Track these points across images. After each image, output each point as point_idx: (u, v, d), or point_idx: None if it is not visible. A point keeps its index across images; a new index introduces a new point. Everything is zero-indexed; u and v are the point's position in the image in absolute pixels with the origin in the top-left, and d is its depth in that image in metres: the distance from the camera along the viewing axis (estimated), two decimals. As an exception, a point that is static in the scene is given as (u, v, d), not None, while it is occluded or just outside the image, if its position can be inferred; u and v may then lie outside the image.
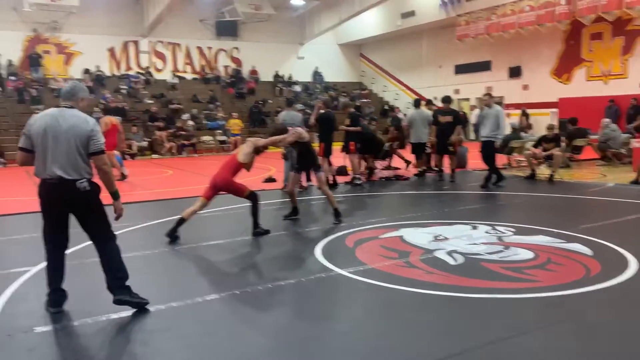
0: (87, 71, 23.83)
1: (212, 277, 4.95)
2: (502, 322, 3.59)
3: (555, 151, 10.85)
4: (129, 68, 25.47)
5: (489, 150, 9.80)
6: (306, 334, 3.53)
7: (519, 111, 20.69)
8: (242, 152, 6.28)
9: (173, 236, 6.07)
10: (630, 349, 3.19)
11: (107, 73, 24.69)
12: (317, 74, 29.36)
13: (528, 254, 5.19)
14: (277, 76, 27.96)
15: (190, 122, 21.88)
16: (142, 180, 12.43)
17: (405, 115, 24.07)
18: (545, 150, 11.11)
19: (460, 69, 24.56)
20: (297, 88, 27.65)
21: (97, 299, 4.24)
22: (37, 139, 3.74)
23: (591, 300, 3.98)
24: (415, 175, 11.66)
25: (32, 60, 22.73)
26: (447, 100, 11.06)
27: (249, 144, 6.36)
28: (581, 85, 19.77)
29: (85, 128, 3.74)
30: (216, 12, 25.68)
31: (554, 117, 19.68)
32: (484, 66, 23.39)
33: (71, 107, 3.83)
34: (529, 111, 20.85)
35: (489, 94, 10.23)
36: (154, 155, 20.02)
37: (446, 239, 5.87)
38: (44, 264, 3.99)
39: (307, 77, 29.00)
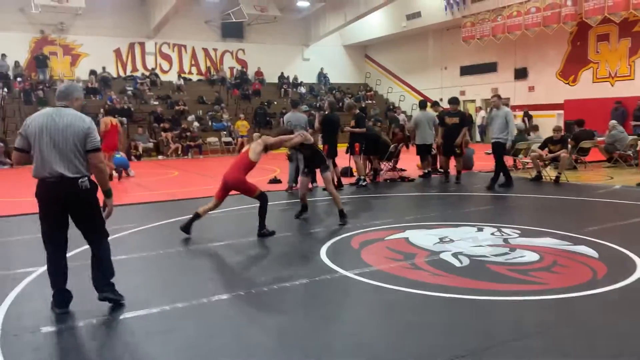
0: (93, 72, 23.94)
1: (217, 278, 4.96)
2: (508, 325, 3.58)
3: (562, 153, 10.82)
4: (134, 69, 25.57)
5: (498, 152, 9.79)
6: (311, 336, 3.52)
7: (520, 113, 20.63)
8: (254, 151, 6.29)
9: (188, 230, 6.25)
10: (637, 351, 3.17)
11: (113, 74, 24.80)
12: (322, 76, 29.37)
13: (534, 256, 5.17)
14: (282, 77, 27.99)
15: (196, 124, 21.93)
16: (148, 181, 12.46)
17: (405, 115, 24.17)
18: (551, 152, 11.07)
19: (466, 71, 24.52)
20: (302, 89, 27.68)
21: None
22: (34, 139, 3.78)
23: (598, 303, 3.95)
24: (421, 176, 11.64)
25: (39, 61, 22.85)
26: (454, 101, 11.03)
27: (260, 142, 6.38)
28: (587, 87, 19.69)
29: (82, 126, 3.81)
30: (222, 14, 25.73)
31: (560, 118, 19.62)
32: (490, 68, 23.34)
33: (66, 106, 3.90)
34: (535, 113, 20.78)
35: (497, 96, 10.19)
36: (159, 157, 20.09)
37: (452, 240, 5.85)
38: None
39: (312, 79, 29.03)
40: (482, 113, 23.14)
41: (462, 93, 23.63)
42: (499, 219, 7.28)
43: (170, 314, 3.89)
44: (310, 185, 10.01)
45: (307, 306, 4.07)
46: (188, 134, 20.77)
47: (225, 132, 22.14)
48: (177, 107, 22.93)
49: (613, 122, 13.70)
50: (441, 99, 18.92)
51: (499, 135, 9.70)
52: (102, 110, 18.72)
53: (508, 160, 10.37)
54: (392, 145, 11.70)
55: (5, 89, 21.49)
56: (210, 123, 22.87)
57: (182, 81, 25.67)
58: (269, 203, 6.37)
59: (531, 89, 21.91)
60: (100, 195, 3.97)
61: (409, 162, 13.07)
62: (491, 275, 4.64)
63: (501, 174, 9.91)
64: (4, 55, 22.26)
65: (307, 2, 26.05)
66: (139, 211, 8.39)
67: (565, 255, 5.22)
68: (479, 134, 23.24)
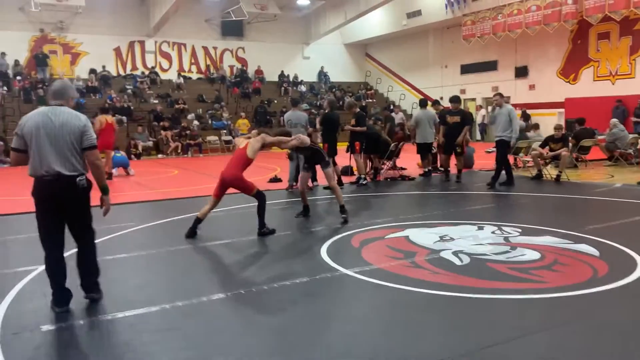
0: (93, 71, 23.93)
1: (217, 277, 4.95)
2: (508, 323, 3.57)
3: (563, 151, 10.81)
4: (134, 68, 25.56)
5: (502, 150, 9.80)
6: (311, 334, 3.52)
7: (519, 111, 20.59)
8: (252, 148, 6.28)
9: (192, 235, 6.21)
10: (638, 349, 3.16)
11: (113, 73, 24.79)
12: (322, 74, 29.36)
13: (534, 255, 5.16)
14: (282, 76, 27.97)
15: (196, 122, 21.94)
16: (148, 179, 12.46)
17: (404, 114, 24.16)
18: (552, 150, 11.07)
19: (466, 69, 24.50)
20: (303, 88, 27.67)
21: (102, 298, 4.25)
22: (30, 138, 3.79)
23: (598, 301, 3.95)
24: (421, 175, 11.64)
25: (39, 60, 22.84)
26: (455, 100, 11.02)
27: (258, 139, 6.38)
28: (588, 85, 19.68)
29: (77, 124, 3.83)
30: (222, 12, 25.70)
31: (561, 117, 19.61)
32: (490, 66, 23.32)
33: (61, 105, 3.92)
34: (535, 111, 20.77)
35: (499, 94, 10.20)
36: (159, 155, 20.08)
37: (452, 239, 5.85)
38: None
39: (312, 77, 29.01)
40: (483, 112, 23.14)
41: (463, 91, 23.61)
42: (499, 217, 7.27)
43: (170, 312, 3.89)
44: (310, 184, 10.05)
45: (308, 305, 4.06)
46: (188, 132, 20.77)
47: (225, 131, 22.13)
48: (177, 106, 22.93)
49: (614, 120, 13.69)
50: (441, 98, 18.93)
51: (503, 133, 9.71)
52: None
53: (509, 159, 10.36)
54: (392, 144, 11.69)
55: (5, 88, 21.49)
56: (210, 122, 22.86)
57: (181, 80, 25.66)
58: (269, 202, 6.38)
59: (532, 87, 21.89)
60: (95, 194, 3.98)
61: (410, 161, 13.06)
62: (492, 273, 4.64)
63: (503, 172, 9.91)
64: (3, 54, 22.26)
65: (307, 1, 26.04)
66: (139, 210, 8.38)
67: (566, 253, 5.21)
68: (479, 133, 23.23)
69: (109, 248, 5.82)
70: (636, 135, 14.24)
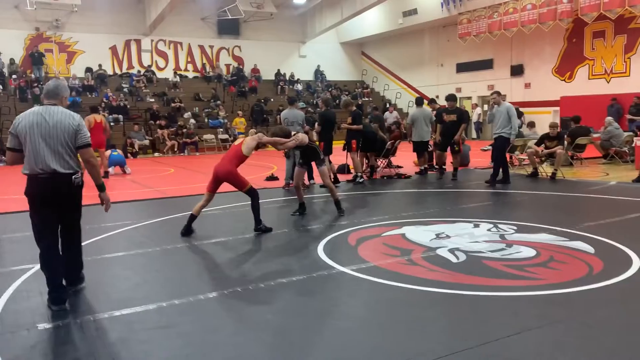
0: (89, 70, 23.86)
1: (213, 275, 4.96)
2: (504, 320, 3.59)
3: (558, 149, 10.84)
4: (130, 67, 25.50)
5: (501, 147, 9.84)
6: (308, 332, 3.53)
7: (513, 109, 20.64)
8: (247, 145, 6.31)
9: (188, 233, 6.25)
10: (633, 346, 3.19)
11: (109, 71, 24.73)
12: (319, 73, 29.35)
13: (530, 252, 5.18)
14: (278, 74, 27.96)
15: (192, 121, 21.91)
16: (144, 178, 12.44)
17: (398, 114, 24.18)
18: (547, 148, 11.10)
19: (462, 68, 24.54)
20: (299, 86, 27.66)
21: (98, 296, 4.26)
22: (24, 137, 3.83)
23: (594, 298, 3.97)
24: (417, 173, 11.66)
25: (34, 58, 22.76)
26: (451, 98, 11.04)
27: (255, 138, 6.41)
28: (583, 84, 19.74)
29: (71, 123, 3.89)
30: (218, 11, 25.67)
31: (556, 115, 19.66)
32: (486, 64, 23.37)
33: (54, 104, 3.97)
34: (531, 109, 20.82)
35: (497, 92, 10.26)
36: (155, 154, 20.05)
37: (448, 236, 5.86)
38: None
39: (309, 76, 29.01)
40: (479, 110, 23.18)
41: (459, 90, 23.64)
42: (495, 215, 7.29)
43: (167, 310, 3.89)
44: (307, 182, 10.06)
45: (304, 302, 4.07)
46: (184, 131, 20.74)
47: (221, 130, 22.11)
48: (173, 104, 22.90)
49: (609, 118, 13.74)
50: (437, 96, 18.96)
51: (502, 130, 9.75)
52: (102, 106, 18.69)
53: (506, 156, 10.40)
54: (388, 143, 11.71)
55: (0, 87, 21.40)
56: (206, 120, 22.84)
57: (178, 78, 25.61)
58: (266, 200, 6.40)
59: (527, 85, 21.95)
60: (92, 192, 4.01)
61: (406, 159, 13.08)
62: (488, 271, 4.65)
63: (500, 169, 9.94)
64: (-1, 53, 22.19)
65: (303, -1, 26.03)
66: (135, 208, 8.38)
67: (561, 250, 5.23)
68: (475, 131, 23.28)
69: (106, 246, 5.83)
70: (631, 133, 14.31)
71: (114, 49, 25.08)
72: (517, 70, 22.19)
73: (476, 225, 6.41)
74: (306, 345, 3.31)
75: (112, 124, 20.62)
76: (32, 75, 22.53)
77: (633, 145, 12.46)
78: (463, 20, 22.27)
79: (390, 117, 19.15)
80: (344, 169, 11.73)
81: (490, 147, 13.29)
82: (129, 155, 18.28)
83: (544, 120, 16.88)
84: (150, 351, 3.26)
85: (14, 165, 4.12)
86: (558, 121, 14.98)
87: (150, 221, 7.20)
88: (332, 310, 3.91)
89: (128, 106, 22.15)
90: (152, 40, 25.80)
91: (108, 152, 13.23)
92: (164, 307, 3.93)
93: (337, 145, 10.73)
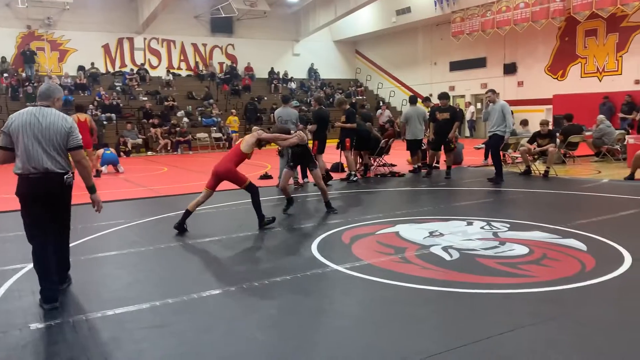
0: (81, 68, 23.72)
1: (208, 274, 4.95)
2: (498, 317, 3.60)
3: (550, 147, 10.89)
4: (123, 65, 25.35)
5: (496, 144, 9.89)
6: (302, 330, 3.53)
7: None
8: (246, 142, 6.43)
9: (181, 228, 6.28)
10: (625, 343, 3.21)
11: (102, 70, 24.58)
12: (312, 71, 29.32)
13: (523, 250, 5.21)
14: (272, 73, 27.90)
15: (185, 119, 21.81)
16: (137, 177, 12.39)
17: (390, 113, 24.21)
18: (540, 146, 11.14)
19: (455, 66, 24.58)
20: (293, 85, 27.61)
21: (91, 295, 4.24)
22: (17, 136, 3.87)
23: (586, 295, 3.99)
24: (411, 171, 11.68)
25: (26, 57, 22.59)
26: (444, 96, 11.06)
27: (254, 135, 6.51)
28: (576, 82, 19.82)
29: (64, 125, 3.95)
30: (211, 9, 25.57)
31: (549, 113, 19.74)
32: (479, 63, 23.42)
33: (47, 106, 4.01)
34: (523, 108, 20.88)
35: (491, 90, 10.34)
36: (148, 153, 19.97)
37: (441, 234, 5.88)
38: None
39: (302, 74, 28.97)
40: (472, 108, 23.24)
41: (452, 88, 23.69)
42: (488, 212, 7.31)
43: (160, 309, 3.87)
44: (301, 181, 10.07)
45: (299, 300, 4.07)
46: (177, 129, 20.66)
47: (215, 128, 22.04)
48: (166, 103, 22.80)
49: (601, 116, 13.82)
50: (431, 95, 18.99)
51: (497, 128, 9.79)
52: (90, 106, 18.54)
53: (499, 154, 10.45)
54: (382, 141, 11.72)
55: (-8, 85, 21.26)
56: (199, 119, 22.76)
57: (171, 77, 25.50)
58: (260, 198, 6.43)
59: (520, 84, 22.02)
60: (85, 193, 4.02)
61: (399, 158, 13.10)
62: (481, 268, 4.67)
63: (492, 167, 10.00)
64: (-10, 51, 22.03)
65: (297, -3, 25.98)
66: (128, 207, 8.34)
67: (554, 248, 5.26)
68: (468, 129, 23.34)
69: (99, 245, 5.80)
70: (623, 131, 14.39)
71: (106, 47, 24.94)
72: (510, 69, 22.26)
73: (469, 223, 6.43)
74: (301, 343, 3.31)
75: (105, 122, 20.56)
76: (24, 74, 22.36)
77: (625, 143, 12.53)
78: (456, 19, 22.31)
79: (382, 116, 19.19)
80: (337, 167, 11.73)
81: (483, 145, 13.36)
82: (122, 154, 18.21)
83: (537, 119, 16.91)
84: (143, 350, 3.24)
85: (4, 165, 4.11)
86: (551, 119, 15.02)
87: (143, 220, 7.17)
88: (326, 309, 3.92)
89: (121, 105, 22.04)
90: (144, 39, 25.67)
91: (101, 151, 13.17)
92: (158, 306, 3.92)
93: (331, 143, 10.72)
